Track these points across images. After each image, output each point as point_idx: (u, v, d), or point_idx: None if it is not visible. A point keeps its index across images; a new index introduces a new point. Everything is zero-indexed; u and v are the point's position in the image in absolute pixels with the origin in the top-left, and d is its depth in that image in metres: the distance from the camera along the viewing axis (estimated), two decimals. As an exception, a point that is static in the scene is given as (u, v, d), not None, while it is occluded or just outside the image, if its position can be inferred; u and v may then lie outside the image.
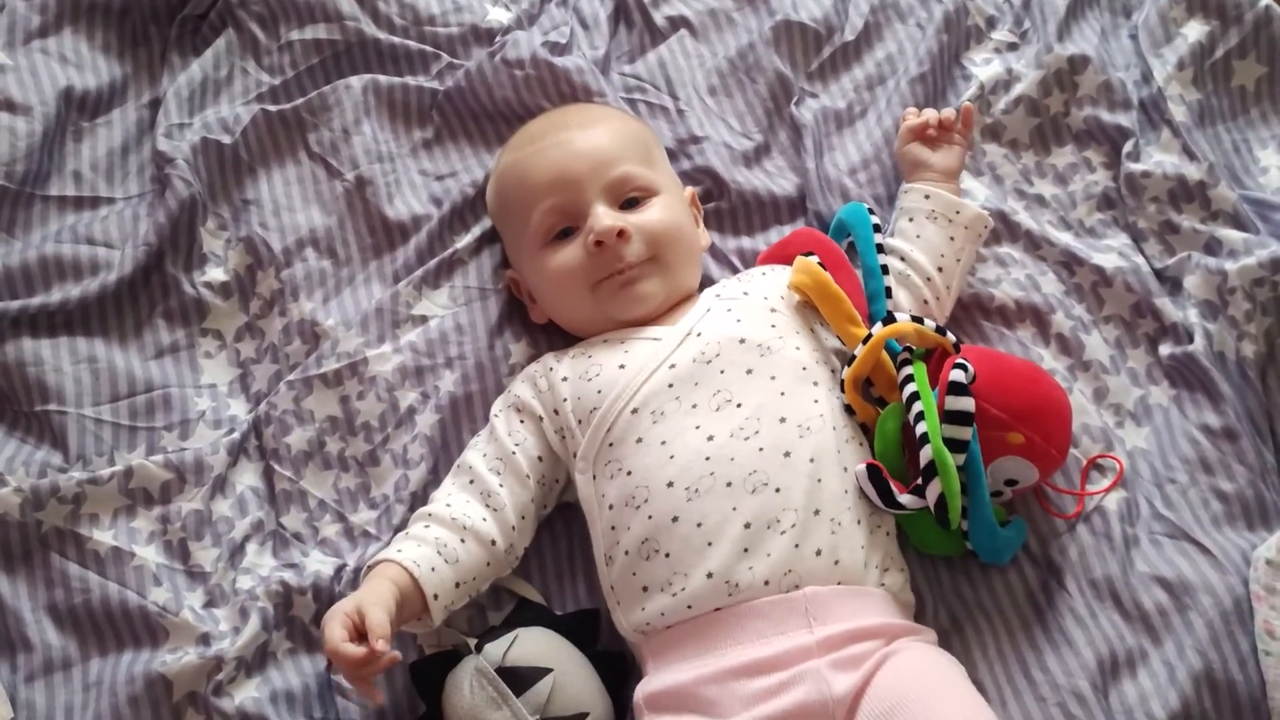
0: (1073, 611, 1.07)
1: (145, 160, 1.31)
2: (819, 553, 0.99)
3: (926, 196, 1.20)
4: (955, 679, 0.98)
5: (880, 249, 1.16)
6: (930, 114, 1.24)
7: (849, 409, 1.08)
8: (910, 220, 1.20)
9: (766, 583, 0.98)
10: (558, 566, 1.15)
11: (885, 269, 1.15)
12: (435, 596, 1.02)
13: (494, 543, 1.06)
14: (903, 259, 1.18)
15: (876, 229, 1.17)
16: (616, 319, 1.14)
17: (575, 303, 1.15)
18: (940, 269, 1.18)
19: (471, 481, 1.09)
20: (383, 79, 1.34)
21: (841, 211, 1.21)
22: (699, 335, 1.09)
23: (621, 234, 1.11)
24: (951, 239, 1.19)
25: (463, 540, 1.06)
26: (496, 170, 1.24)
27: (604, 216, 1.12)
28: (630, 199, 1.15)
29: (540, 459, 1.10)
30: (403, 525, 1.13)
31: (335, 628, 0.96)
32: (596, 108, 1.28)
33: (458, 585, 1.04)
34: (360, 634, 0.96)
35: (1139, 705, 1.03)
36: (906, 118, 1.26)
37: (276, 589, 1.11)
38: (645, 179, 1.16)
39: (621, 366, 1.09)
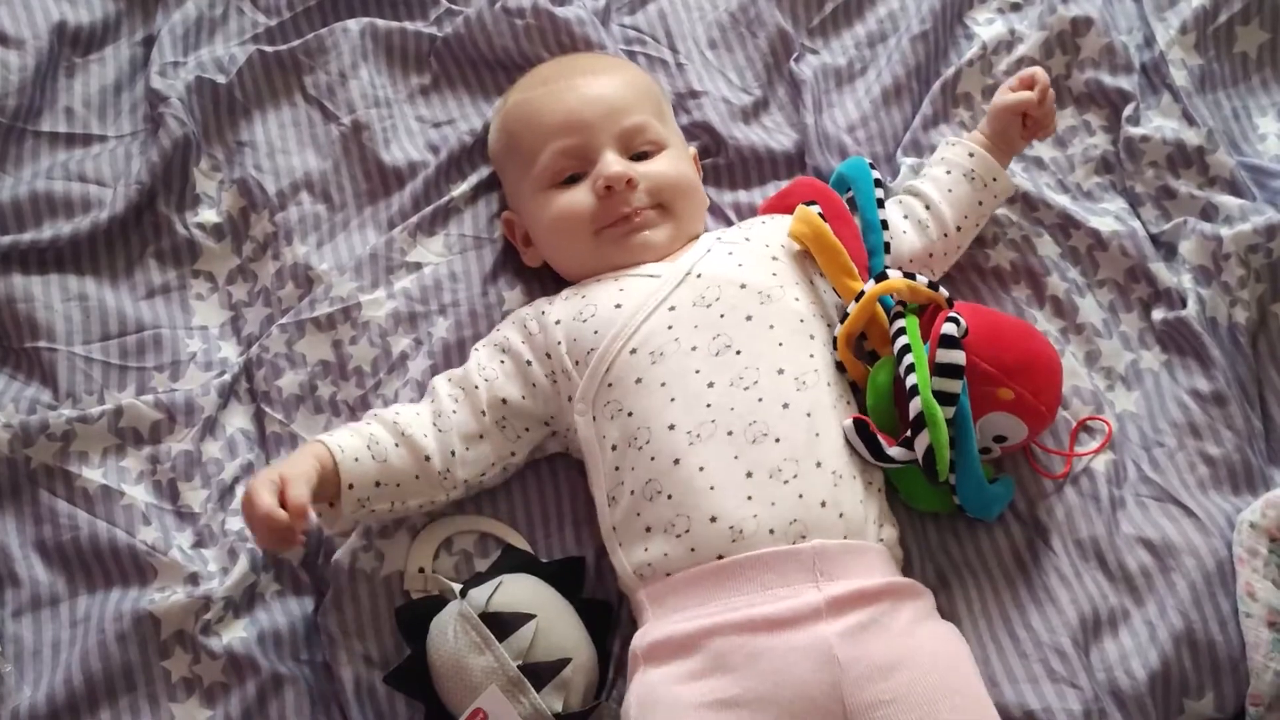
0: (1057, 570, 1.08)
1: (138, 98, 1.30)
2: (824, 504, 0.99)
3: (971, 155, 1.18)
4: (965, 684, 0.97)
5: (880, 204, 1.15)
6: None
7: (840, 366, 1.08)
8: (948, 172, 1.18)
9: (772, 531, 0.98)
10: (544, 514, 1.15)
11: (885, 224, 1.14)
12: (350, 486, 1.02)
13: (428, 458, 1.06)
14: (928, 206, 1.17)
15: (878, 184, 1.16)
16: (616, 264, 1.13)
17: (575, 246, 1.14)
18: (959, 228, 1.17)
19: (432, 401, 1.10)
20: (380, 23, 1.32)
21: (842, 165, 1.20)
22: (699, 276, 1.09)
23: (630, 182, 1.11)
24: (980, 203, 1.18)
25: (396, 445, 1.06)
26: (503, 109, 1.23)
27: (614, 163, 1.12)
28: (640, 153, 1.15)
29: (504, 401, 1.09)
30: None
31: (265, 495, 0.95)
32: (610, 57, 1.27)
33: (378, 484, 1.04)
34: (283, 502, 0.96)
35: (1119, 663, 1.04)
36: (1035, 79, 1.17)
37: (265, 530, 1.11)
38: (657, 133, 1.16)
39: (618, 306, 1.08)
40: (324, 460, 1.02)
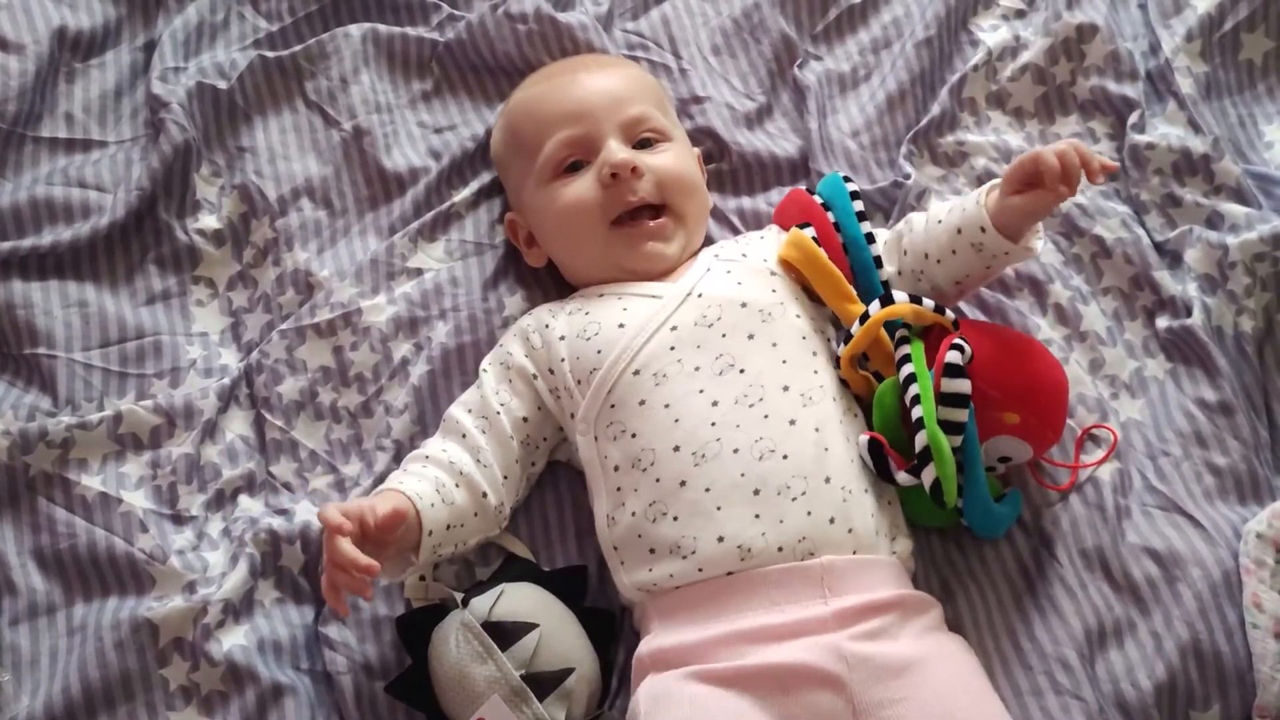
0: (1062, 581, 1.07)
1: (139, 104, 1.30)
2: (832, 520, 0.98)
3: (983, 229, 1.05)
4: (980, 692, 0.97)
5: (862, 217, 1.13)
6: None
7: (844, 381, 1.07)
8: (959, 232, 1.07)
9: (780, 549, 0.97)
10: (546, 523, 1.14)
11: (871, 237, 1.12)
12: (430, 533, 1.01)
13: (484, 495, 1.06)
14: (922, 273, 1.11)
15: (854, 196, 1.13)
16: (625, 268, 1.13)
17: (585, 239, 1.13)
18: (958, 283, 1.11)
19: (464, 436, 1.09)
20: (382, 28, 1.32)
21: (819, 187, 1.17)
22: (699, 296, 1.08)
23: (635, 170, 1.11)
24: (988, 268, 1.09)
25: (457, 485, 1.05)
26: (507, 108, 1.23)
27: (618, 150, 1.11)
28: (644, 140, 1.15)
29: (525, 419, 1.09)
30: (384, 475, 1.12)
31: (343, 533, 0.92)
32: (613, 56, 1.28)
33: (448, 528, 1.03)
34: (364, 533, 0.94)
35: (1125, 675, 1.03)
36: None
37: (264, 537, 1.11)
38: (660, 123, 1.16)
39: (621, 326, 1.08)
40: (403, 508, 0.99)
